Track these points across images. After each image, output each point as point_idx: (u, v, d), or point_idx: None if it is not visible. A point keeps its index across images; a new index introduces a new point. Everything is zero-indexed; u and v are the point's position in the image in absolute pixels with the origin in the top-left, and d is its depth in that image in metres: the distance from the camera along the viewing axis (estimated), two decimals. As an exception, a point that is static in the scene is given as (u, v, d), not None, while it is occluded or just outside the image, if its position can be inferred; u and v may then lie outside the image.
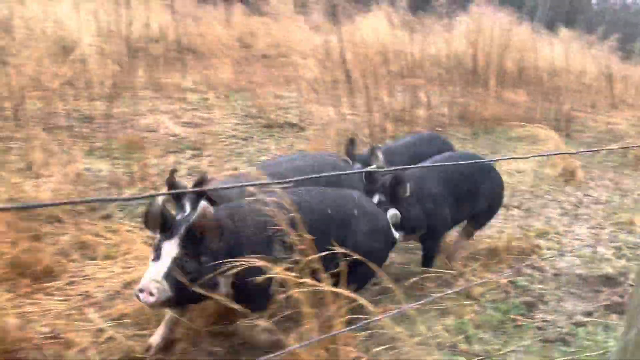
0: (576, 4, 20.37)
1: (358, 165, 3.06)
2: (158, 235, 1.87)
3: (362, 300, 1.78)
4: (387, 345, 2.18)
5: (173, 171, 2.18)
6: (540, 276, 2.99)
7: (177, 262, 1.81)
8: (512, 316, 2.52)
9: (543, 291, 2.81)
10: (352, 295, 1.80)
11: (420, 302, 2.10)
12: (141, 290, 1.77)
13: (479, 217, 3.07)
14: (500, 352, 2.23)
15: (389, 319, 1.81)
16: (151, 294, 1.76)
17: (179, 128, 5.77)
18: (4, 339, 1.75)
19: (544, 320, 2.53)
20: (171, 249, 1.82)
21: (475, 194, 2.92)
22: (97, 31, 7.12)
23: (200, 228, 1.82)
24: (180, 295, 1.83)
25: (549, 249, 3.37)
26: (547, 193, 4.64)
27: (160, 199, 1.86)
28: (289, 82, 7.36)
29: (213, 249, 1.85)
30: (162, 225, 1.86)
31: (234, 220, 1.98)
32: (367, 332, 2.26)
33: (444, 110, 6.82)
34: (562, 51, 8.33)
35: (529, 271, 3.02)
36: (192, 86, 7.28)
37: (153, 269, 1.80)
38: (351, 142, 3.26)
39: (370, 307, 1.77)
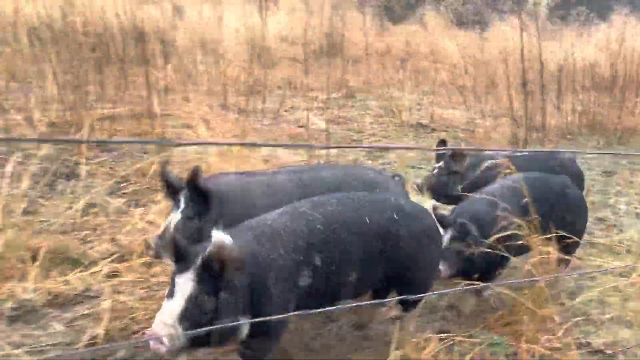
0: None
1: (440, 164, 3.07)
2: (174, 267, 1.67)
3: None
4: (581, 318, 2.59)
5: (164, 164, 2.22)
6: None
7: (192, 301, 1.59)
8: None
9: None
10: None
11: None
12: (151, 337, 1.57)
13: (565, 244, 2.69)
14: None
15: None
16: (162, 343, 1.56)
17: (325, 124, 6.42)
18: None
19: None
20: (186, 284, 1.61)
21: (551, 218, 2.58)
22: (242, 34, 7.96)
23: (218, 261, 1.61)
24: (197, 341, 1.62)
25: None
26: None
27: (173, 224, 1.84)
28: (420, 85, 7.82)
29: (233, 283, 1.65)
30: (176, 254, 1.65)
31: (258, 244, 1.78)
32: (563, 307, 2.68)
33: (575, 119, 6.97)
34: None
35: None
36: (317, 85, 7.91)
37: (166, 310, 1.60)
38: (442, 143, 3.31)
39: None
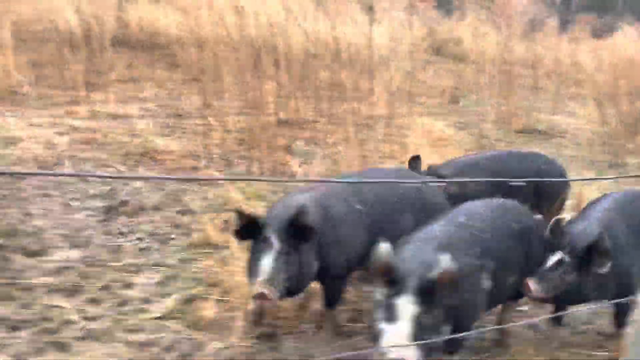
0: None
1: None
2: (385, 290, 1.85)
3: None
4: None
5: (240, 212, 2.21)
6: None
7: (416, 321, 1.77)
8: None
9: None
10: None
11: None
12: None
13: None
14: None
15: None
16: None
17: (448, 129, 7.09)
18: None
19: None
20: (407, 307, 1.79)
21: None
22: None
23: (443, 285, 1.81)
24: (426, 356, 1.82)
25: None
26: None
27: (384, 249, 1.91)
28: (534, 91, 8.40)
29: (448, 303, 1.84)
30: (391, 279, 1.83)
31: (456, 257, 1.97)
32: None
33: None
34: None
35: None
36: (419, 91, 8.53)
37: (395, 333, 1.78)
38: (414, 160, 3.05)
39: None
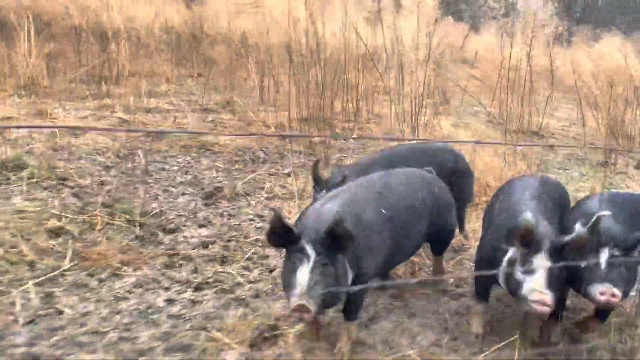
0: None
1: (324, 192, 2.86)
2: (523, 249, 2.42)
3: None
4: None
5: (275, 211, 2.21)
6: None
7: (550, 272, 2.36)
8: None
9: None
10: None
11: None
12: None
13: None
14: None
15: None
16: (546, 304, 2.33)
17: (456, 129, 7.87)
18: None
19: None
20: (543, 262, 2.38)
21: None
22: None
23: (573, 247, 2.40)
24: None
25: None
26: None
27: (529, 216, 2.44)
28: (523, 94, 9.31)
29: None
30: (529, 241, 2.41)
31: None
32: None
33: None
34: None
35: None
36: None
37: (535, 282, 2.35)
38: (315, 165, 3.15)
39: None
